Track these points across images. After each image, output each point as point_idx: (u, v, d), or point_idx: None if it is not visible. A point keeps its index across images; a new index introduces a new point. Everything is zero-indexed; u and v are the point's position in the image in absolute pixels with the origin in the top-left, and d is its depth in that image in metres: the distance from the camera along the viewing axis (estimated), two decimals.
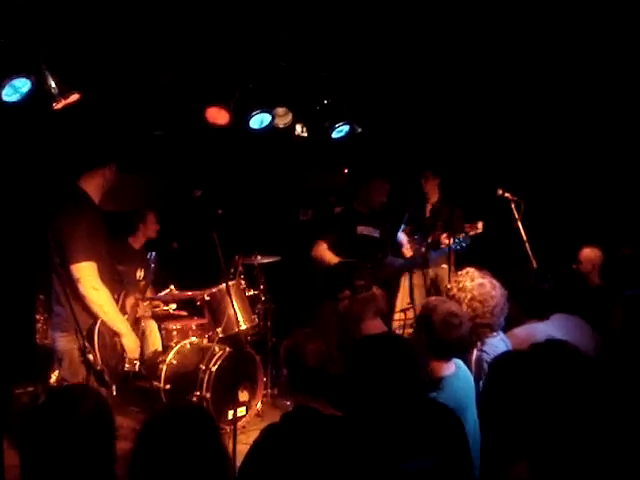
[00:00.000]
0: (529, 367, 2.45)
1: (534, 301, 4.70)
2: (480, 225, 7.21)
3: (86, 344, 4.59)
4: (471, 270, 4.49)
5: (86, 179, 5.03)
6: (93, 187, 5.03)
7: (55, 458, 2.51)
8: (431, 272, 7.92)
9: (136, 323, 6.34)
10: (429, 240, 7.67)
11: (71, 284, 4.69)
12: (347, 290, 4.86)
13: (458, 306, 4.15)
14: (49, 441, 2.52)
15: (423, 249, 7.64)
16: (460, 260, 7.33)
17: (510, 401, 2.40)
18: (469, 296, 4.28)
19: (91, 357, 4.60)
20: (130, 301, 5.25)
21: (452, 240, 7.14)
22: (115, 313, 4.83)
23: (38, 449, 2.54)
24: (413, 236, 7.97)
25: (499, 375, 2.54)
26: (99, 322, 4.71)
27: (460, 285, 4.35)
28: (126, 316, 5.03)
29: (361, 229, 7.26)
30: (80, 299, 4.69)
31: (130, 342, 4.92)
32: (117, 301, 4.99)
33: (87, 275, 4.65)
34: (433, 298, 4.37)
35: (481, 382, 4.03)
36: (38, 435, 2.56)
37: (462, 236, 7.22)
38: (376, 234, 7.35)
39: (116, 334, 4.86)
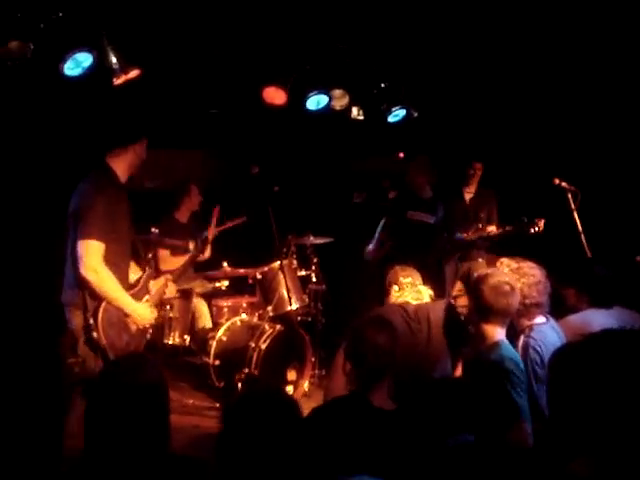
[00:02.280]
0: (598, 357, 2.37)
1: (599, 288, 4.64)
2: (542, 223, 7.09)
3: (90, 322, 4.45)
4: (505, 260, 4.50)
5: (113, 155, 4.82)
6: (121, 164, 4.84)
7: (116, 425, 2.55)
8: (465, 265, 7.77)
9: (163, 303, 6.43)
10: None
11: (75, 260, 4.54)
12: (394, 286, 5.01)
13: (511, 277, 4.18)
14: (111, 408, 2.57)
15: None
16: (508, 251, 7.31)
17: (577, 393, 2.33)
18: (512, 279, 4.26)
19: (95, 335, 4.47)
20: (157, 282, 5.14)
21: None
22: (115, 294, 4.59)
23: (101, 416, 2.59)
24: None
25: (565, 366, 2.46)
26: (105, 301, 4.56)
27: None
28: (147, 296, 4.92)
29: (412, 214, 7.22)
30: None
31: (138, 314, 4.75)
32: (139, 282, 4.91)
33: (90, 254, 4.46)
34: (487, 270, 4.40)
35: (528, 367, 4.06)
36: (101, 403, 2.61)
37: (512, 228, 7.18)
38: (429, 219, 7.30)
39: (125, 313, 4.71)
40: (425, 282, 5.31)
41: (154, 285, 5.05)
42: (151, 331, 6.13)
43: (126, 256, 4.84)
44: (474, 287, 4.15)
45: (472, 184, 7.82)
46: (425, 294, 5.06)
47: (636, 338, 2.46)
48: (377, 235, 7.32)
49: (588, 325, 4.26)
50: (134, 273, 4.99)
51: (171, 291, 5.34)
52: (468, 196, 7.84)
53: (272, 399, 2.68)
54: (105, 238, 4.49)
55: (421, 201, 7.29)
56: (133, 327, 4.75)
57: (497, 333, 4.05)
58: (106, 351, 4.50)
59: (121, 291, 4.63)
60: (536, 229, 6.98)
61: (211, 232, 7.15)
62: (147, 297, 4.91)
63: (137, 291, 4.85)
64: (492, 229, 7.43)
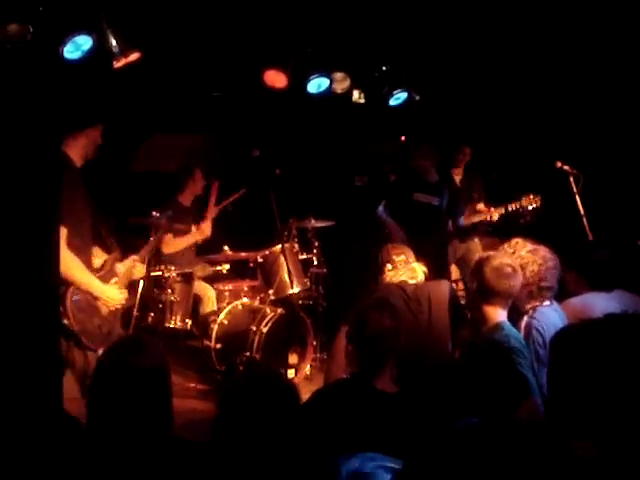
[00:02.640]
0: (601, 340, 2.37)
1: (599, 271, 4.64)
2: (539, 199, 7.11)
3: (60, 308, 4.38)
4: (519, 240, 4.51)
5: (68, 141, 4.88)
6: (75, 148, 4.90)
7: (119, 408, 2.57)
8: (462, 247, 7.83)
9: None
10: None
11: None
12: (388, 264, 5.03)
13: (514, 260, 4.22)
14: (114, 389, 2.58)
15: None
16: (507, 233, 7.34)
17: (578, 375, 2.33)
18: (530, 261, 4.30)
19: (65, 322, 4.40)
20: (125, 264, 5.07)
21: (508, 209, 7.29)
22: (81, 278, 4.58)
23: (103, 399, 2.61)
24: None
25: (567, 347, 2.46)
26: (72, 286, 4.53)
27: (516, 254, 4.35)
28: (115, 279, 4.87)
29: (418, 196, 7.22)
30: None
31: (107, 296, 4.73)
32: (105, 265, 4.89)
33: None
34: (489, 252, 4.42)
35: (530, 347, 4.07)
36: (103, 386, 2.63)
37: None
38: (435, 202, 7.29)
39: (94, 297, 4.70)
40: (428, 263, 5.31)
41: (121, 267, 5.00)
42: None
43: (88, 239, 4.85)
44: (476, 269, 4.17)
45: (460, 167, 7.99)
46: (419, 271, 5.04)
47: (637, 322, 2.46)
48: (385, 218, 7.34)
49: (589, 308, 4.29)
50: (99, 257, 4.96)
51: (139, 272, 5.29)
52: (458, 178, 7.99)
53: (269, 382, 2.69)
54: (66, 223, 4.46)
55: (426, 184, 7.29)
56: (104, 309, 4.74)
57: (499, 314, 4.07)
58: (79, 336, 4.48)
59: (87, 274, 4.63)
60: (534, 205, 7.03)
61: (211, 209, 7.16)
62: (115, 279, 4.88)
63: (104, 274, 4.83)
64: (495, 210, 7.47)
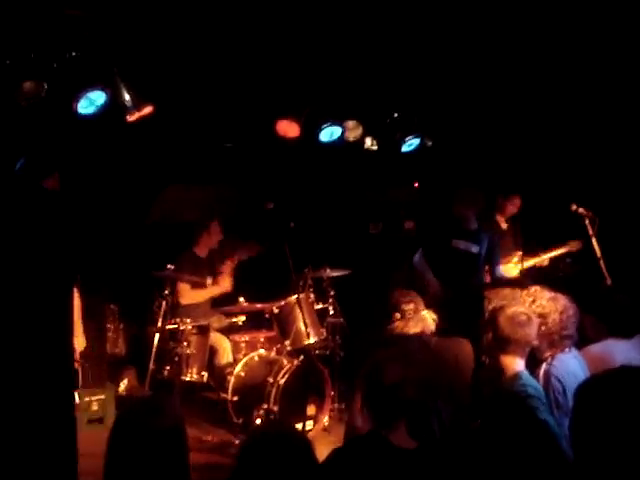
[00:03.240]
0: (623, 393, 2.34)
1: (619, 318, 4.57)
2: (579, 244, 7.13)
3: None
4: (538, 287, 4.48)
5: None
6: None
7: (136, 469, 2.53)
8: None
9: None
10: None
11: None
12: (396, 313, 4.88)
13: (529, 308, 4.20)
14: (131, 450, 2.55)
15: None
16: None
17: (602, 428, 2.30)
18: (553, 309, 4.26)
19: None
20: None
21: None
22: None
23: (121, 458, 2.57)
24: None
25: (590, 401, 2.42)
26: None
27: (537, 302, 4.32)
28: None
29: (457, 242, 7.16)
30: None
31: None
32: None
33: None
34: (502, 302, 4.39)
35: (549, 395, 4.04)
36: (122, 444, 2.59)
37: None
38: (474, 249, 7.22)
39: None
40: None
41: None
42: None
43: None
44: (491, 319, 4.15)
45: (505, 215, 7.91)
46: (430, 320, 4.96)
47: None
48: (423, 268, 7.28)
49: (609, 356, 4.24)
50: None
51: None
52: (504, 225, 7.88)
53: (284, 442, 2.68)
54: None
55: (465, 231, 7.23)
56: None
57: (516, 364, 4.02)
58: None
59: None
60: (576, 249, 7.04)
61: (227, 265, 7.17)
62: None
63: None
64: (544, 255, 7.47)
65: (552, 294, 4.36)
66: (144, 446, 2.54)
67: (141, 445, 2.54)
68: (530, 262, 7.61)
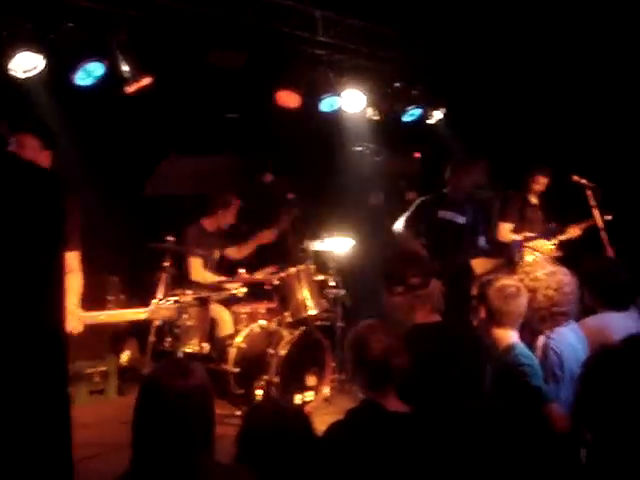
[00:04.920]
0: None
1: (614, 290, 4.55)
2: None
3: None
4: (539, 260, 4.44)
5: None
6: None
7: (166, 426, 2.54)
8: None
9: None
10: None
11: None
12: (401, 286, 4.69)
13: (515, 279, 4.18)
14: (162, 409, 2.56)
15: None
16: None
17: (609, 402, 2.35)
18: (544, 284, 4.22)
19: None
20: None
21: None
22: None
23: (151, 417, 2.59)
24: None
25: (594, 380, 2.48)
26: None
27: (532, 275, 4.28)
28: None
29: (443, 214, 7.14)
30: None
31: None
32: None
33: None
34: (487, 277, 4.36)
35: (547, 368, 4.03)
36: (152, 402, 2.61)
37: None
38: (460, 220, 7.20)
39: None
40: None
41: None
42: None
43: None
44: (480, 295, 4.13)
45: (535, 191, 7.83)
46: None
47: None
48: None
49: (606, 328, 4.23)
50: None
51: (72, 326, 5.28)
52: (534, 200, 7.82)
53: (284, 419, 2.80)
54: None
55: (452, 202, 7.21)
56: None
57: (509, 336, 4.02)
58: None
59: None
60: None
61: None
62: None
63: None
64: (570, 230, 7.48)
65: (551, 268, 4.32)
66: (174, 406, 2.53)
67: (171, 405, 2.54)
68: (564, 236, 7.51)
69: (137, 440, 2.60)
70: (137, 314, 5.50)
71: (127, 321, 5.75)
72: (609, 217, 6.95)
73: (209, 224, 7.39)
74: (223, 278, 7.27)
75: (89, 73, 5.81)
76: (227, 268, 7.53)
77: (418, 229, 7.19)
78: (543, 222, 7.63)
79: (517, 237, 7.47)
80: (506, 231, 7.56)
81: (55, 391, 2.73)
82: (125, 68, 6.08)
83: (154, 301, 5.62)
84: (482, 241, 7.32)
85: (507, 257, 7.40)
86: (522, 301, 4.03)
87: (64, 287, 2.77)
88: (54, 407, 2.73)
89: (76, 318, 5.00)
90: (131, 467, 2.58)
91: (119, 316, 5.66)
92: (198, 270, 7.13)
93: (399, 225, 7.29)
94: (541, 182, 7.67)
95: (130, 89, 6.08)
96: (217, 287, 7.17)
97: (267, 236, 7.46)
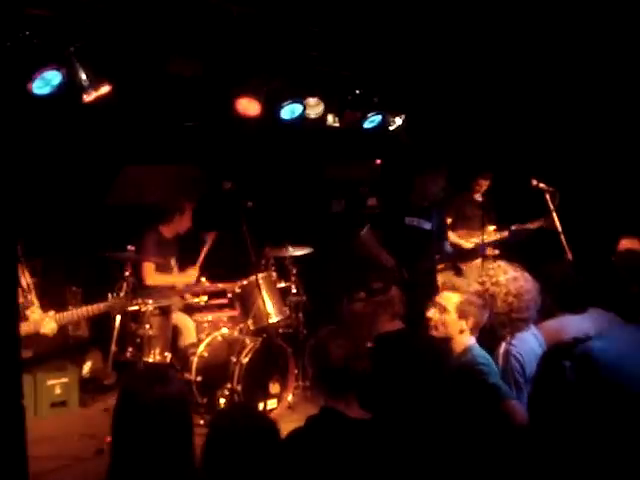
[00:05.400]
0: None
1: (568, 294, 4.59)
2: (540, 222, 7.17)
3: None
4: (502, 263, 4.47)
5: None
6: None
7: (145, 433, 2.52)
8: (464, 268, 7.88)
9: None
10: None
11: None
12: (362, 292, 4.80)
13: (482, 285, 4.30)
14: (140, 417, 2.54)
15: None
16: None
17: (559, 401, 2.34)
18: (504, 290, 4.24)
19: None
20: (36, 312, 5.32)
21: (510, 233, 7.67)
22: None
23: (129, 425, 2.56)
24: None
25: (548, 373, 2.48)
26: None
27: (494, 279, 4.30)
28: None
29: (409, 220, 7.16)
30: None
31: None
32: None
33: None
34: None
35: (509, 374, 4.07)
36: (130, 410, 2.59)
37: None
38: (427, 226, 7.23)
39: None
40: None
41: (32, 314, 5.11)
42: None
43: None
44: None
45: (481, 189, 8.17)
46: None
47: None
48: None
49: (563, 330, 4.26)
50: None
51: (50, 328, 5.28)
52: (479, 198, 8.08)
53: (252, 425, 2.78)
54: None
55: (418, 208, 7.23)
56: None
57: (467, 339, 4.13)
58: None
59: None
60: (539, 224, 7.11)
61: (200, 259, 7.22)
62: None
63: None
64: (504, 232, 7.77)
65: (515, 274, 4.32)
66: (153, 414, 2.52)
67: (150, 413, 2.53)
68: (492, 238, 7.72)
69: (116, 447, 2.58)
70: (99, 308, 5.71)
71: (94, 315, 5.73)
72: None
73: (167, 231, 7.36)
74: (176, 278, 7.22)
75: (47, 82, 5.75)
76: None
77: (384, 236, 7.18)
78: (483, 219, 7.77)
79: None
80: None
81: (8, 403, 2.69)
82: (83, 77, 6.02)
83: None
84: (447, 246, 7.38)
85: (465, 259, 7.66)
86: (487, 312, 4.14)
87: (16, 295, 2.74)
88: (7, 420, 2.69)
89: (49, 320, 5.03)
90: (109, 474, 2.56)
91: (85, 312, 5.69)
92: (150, 274, 7.07)
93: (364, 232, 7.28)
94: (483, 185, 8.14)
95: (89, 98, 6.02)
96: (178, 294, 7.16)
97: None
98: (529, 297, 4.23)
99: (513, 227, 7.76)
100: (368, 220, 7.32)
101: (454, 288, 4.28)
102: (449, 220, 7.91)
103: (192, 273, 7.30)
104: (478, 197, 8.13)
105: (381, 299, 4.72)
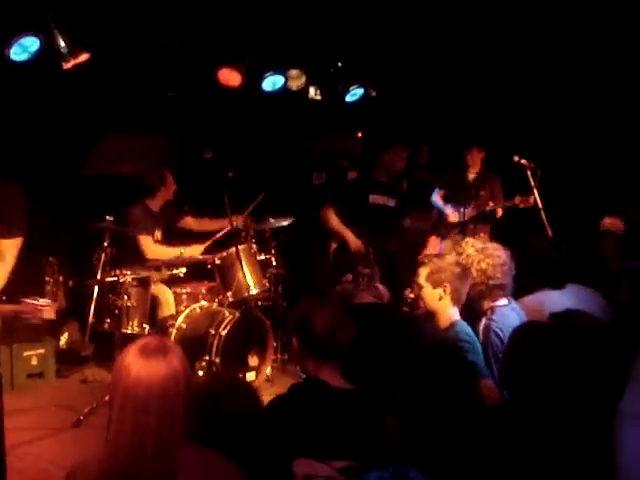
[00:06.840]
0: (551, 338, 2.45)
1: (548, 270, 4.60)
2: (532, 199, 7.12)
3: None
4: (470, 239, 4.54)
5: None
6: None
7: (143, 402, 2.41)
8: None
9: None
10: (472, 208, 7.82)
11: None
12: (350, 274, 4.88)
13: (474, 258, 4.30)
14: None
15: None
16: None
17: (531, 372, 2.40)
18: (476, 259, 4.27)
19: None
20: None
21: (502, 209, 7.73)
22: None
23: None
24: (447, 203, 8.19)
25: (520, 346, 2.54)
26: None
27: (464, 255, 4.34)
28: None
29: (374, 198, 7.13)
30: None
31: None
32: None
33: None
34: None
35: (489, 350, 4.08)
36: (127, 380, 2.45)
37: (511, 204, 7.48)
38: (391, 203, 7.21)
39: None
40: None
41: None
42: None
43: None
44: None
45: (475, 165, 8.19)
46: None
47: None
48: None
49: (542, 306, 4.25)
50: None
51: None
52: (472, 175, 8.13)
53: (233, 392, 2.83)
54: None
55: (381, 185, 7.21)
56: None
57: (452, 313, 4.12)
58: None
59: None
60: (526, 204, 7.12)
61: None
62: None
63: None
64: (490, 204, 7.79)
65: (482, 245, 4.39)
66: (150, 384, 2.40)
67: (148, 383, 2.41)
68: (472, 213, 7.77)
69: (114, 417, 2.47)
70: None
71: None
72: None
73: (153, 204, 7.28)
74: (178, 248, 7.16)
75: (24, 48, 5.65)
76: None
77: (348, 213, 7.14)
78: (467, 192, 7.93)
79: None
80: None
81: None
82: (62, 43, 5.93)
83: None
84: (407, 222, 7.38)
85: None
86: (465, 278, 4.14)
87: None
88: None
89: None
90: (107, 445, 2.45)
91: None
92: (149, 247, 7.04)
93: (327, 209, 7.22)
94: (476, 156, 8.14)
95: (67, 65, 5.93)
96: (156, 266, 7.10)
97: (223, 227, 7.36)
98: (501, 261, 4.25)
99: (488, 206, 7.80)
100: (329, 199, 7.29)
101: (423, 262, 4.28)
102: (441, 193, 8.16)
103: (197, 248, 7.22)
104: (471, 174, 8.19)
105: (366, 284, 4.83)
